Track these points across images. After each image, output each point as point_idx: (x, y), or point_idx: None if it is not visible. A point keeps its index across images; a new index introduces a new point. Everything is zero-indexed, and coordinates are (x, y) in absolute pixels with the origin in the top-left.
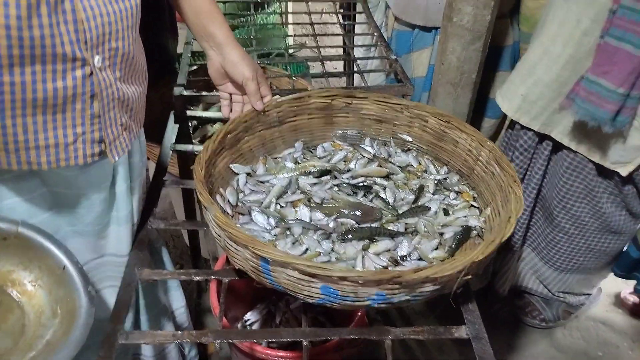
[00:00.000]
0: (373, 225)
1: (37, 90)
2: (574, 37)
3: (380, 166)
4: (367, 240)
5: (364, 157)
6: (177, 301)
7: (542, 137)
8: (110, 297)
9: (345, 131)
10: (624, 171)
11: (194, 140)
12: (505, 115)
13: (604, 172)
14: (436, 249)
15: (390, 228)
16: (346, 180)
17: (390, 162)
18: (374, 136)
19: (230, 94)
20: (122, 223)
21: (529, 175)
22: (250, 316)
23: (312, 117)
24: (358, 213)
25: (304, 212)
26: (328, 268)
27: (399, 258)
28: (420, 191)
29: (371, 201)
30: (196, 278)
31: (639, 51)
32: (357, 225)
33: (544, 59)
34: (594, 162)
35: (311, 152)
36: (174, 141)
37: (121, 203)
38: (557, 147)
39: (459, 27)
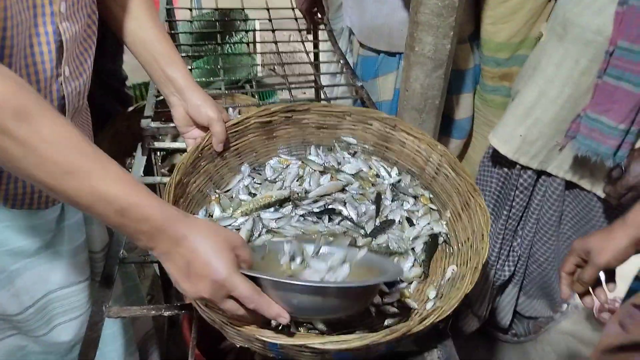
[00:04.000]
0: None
1: None
2: (572, 77)
3: (332, 177)
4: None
5: (314, 170)
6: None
7: (539, 174)
8: (59, 335)
9: (289, 144)
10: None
11: (162, 170)
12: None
13: (585, 201)
14: (413, 266)
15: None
16: (309, 208)
17: (342, 171)
18: (318, 143)
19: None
20: (72, 255)
21: (527, 212)
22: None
23: (255, 136)
24: (332, 240)
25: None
26: (342, 340)
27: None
28: (378, 200)
29: (339, 224)
30: (166, 313)
31: (639, 89)
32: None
33: (541, 99)
34: (578, 190)
35: (259, 174)
36: (142, 174)
37: (72, 235)
38: (547, 181)
39: (420, 55)
